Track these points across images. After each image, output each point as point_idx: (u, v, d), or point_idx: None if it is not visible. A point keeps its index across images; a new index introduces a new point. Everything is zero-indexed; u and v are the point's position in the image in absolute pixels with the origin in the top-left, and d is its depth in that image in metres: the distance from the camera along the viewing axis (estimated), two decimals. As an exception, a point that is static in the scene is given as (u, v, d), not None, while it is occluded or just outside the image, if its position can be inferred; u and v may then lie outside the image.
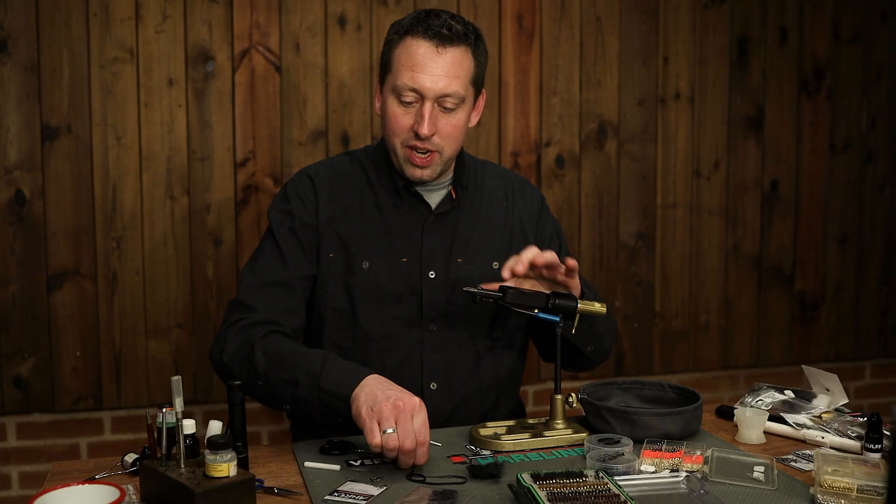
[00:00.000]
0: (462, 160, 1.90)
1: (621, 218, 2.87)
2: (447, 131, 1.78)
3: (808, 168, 3.02)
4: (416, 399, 1.50)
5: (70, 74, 2.46)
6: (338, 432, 1.74)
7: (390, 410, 1.47)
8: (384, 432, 1.45)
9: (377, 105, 1.87)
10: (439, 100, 1.75)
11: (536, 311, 1.68)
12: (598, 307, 1.71)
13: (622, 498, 1.34)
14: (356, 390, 1.54)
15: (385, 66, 1.82)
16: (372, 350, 1.82)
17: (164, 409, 1.42)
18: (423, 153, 1.78)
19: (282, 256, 1.82)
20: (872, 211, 3.09)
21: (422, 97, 1.75)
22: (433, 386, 1.82)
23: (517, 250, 1.87)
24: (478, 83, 1.83)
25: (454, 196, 1.88)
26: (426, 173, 1.81)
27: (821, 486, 1.39)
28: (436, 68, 1.74)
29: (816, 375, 1.82)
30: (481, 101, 1.87)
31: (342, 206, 1.86)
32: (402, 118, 1.77)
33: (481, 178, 1.95)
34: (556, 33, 2.76)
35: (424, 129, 1.74)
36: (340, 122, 2.62)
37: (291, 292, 1.81)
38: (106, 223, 2.51)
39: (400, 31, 1.78)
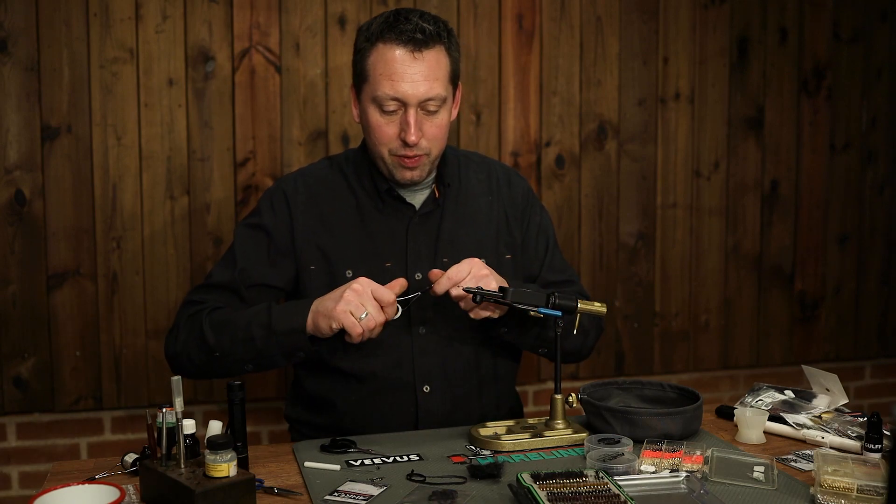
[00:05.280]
0: (444, 156, 1.89)
1: (621, 218, 2.87)
2: (433, 133, 1.78)
3: (808, 168, 3.02)
4: (360, 278, 1.65)
5: (70, 74, 2.46)
6: (337, 433, 1.75)
7: (353, 298, 1.60)
8: (360, 319, 1.61)
9: (355, 113, 1.86)
10: (422, 104, 1.74)
11: (537, 308, 1.68)
12: (597, 307, 1.72)
13: (622, 498, 1.34)
14: (308, 317, 1.68)
15: (360, 76, 1.79)
16: (362, 358, 1.81)
17: (164, 409, 1.42)
18: (411, 157, 1.78)
19: (234, 263, 1.86)
20: (872, 211, 3.09)
21: (404, 104, 1.74)
22: (426, 388, 1.81)
23: (503, 246, 1.87)
24: (455, 79, 1.82)
25: (437, 195, 1.88)
26: (416, 174, 1.81)
27: (821, 486, 1.39)
28: (415, 74, 1.72)
29: (816, 375, 1.82)
30: (458, 95, 1.87)
31: (321, 216, 1.85)
32: (386, 127, 1.77)
33: (465, 173, 1.93)
34: (556, 33, 2.76)
35: (412, 137, 1.74)
36: (340, 122, 2.62)
37: (236, 297, 1.84)
38: (106, 223, 2.51)
39: (371, 38, 1.76)
